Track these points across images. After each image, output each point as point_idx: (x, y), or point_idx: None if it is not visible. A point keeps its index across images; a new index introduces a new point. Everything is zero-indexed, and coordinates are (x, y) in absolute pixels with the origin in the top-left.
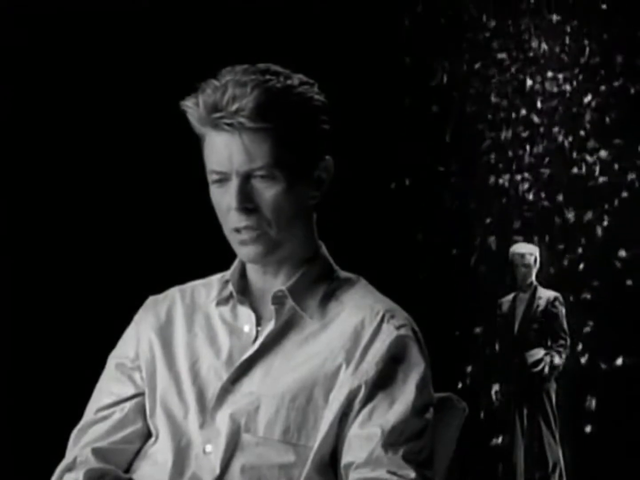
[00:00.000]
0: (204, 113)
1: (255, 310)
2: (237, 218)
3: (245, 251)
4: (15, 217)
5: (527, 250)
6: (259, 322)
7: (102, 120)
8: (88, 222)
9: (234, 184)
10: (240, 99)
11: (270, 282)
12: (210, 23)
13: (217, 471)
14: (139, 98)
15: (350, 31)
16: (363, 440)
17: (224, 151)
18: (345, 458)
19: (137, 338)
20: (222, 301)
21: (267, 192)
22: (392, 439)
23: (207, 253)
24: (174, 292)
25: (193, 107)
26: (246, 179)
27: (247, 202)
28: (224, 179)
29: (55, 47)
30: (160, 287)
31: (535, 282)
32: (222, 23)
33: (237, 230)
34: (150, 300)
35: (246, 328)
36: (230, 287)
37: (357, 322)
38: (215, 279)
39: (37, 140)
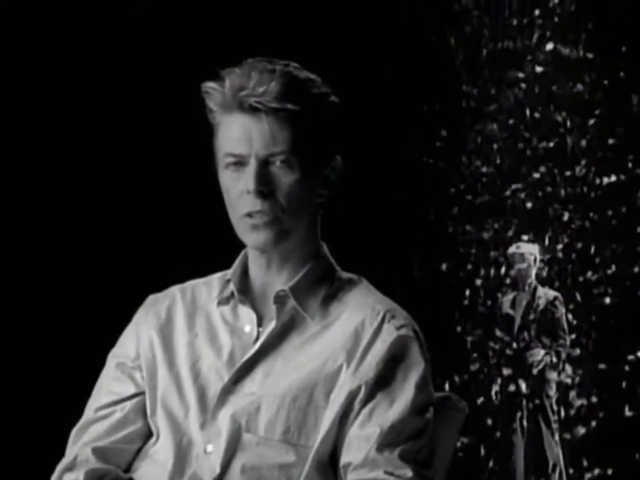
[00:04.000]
0: (230, 94)
1: (256, 310)
2: (251, 202)
3: (255, 237)
4: (14, 215)
5: (527, 250)
6: (260, 323)
7: (102, 121)
8: (88, 221)
9: (252, 167)
10: (267, 82)
11: (272, 280)
12: (212, 25)
13: (218, 471)
14: (138, 98)
15: (359, 34)
16: (362, 440)
17: (245, 134)
18: (344, 458)
19: (138, 337)
20: (223, 301)
21: (284, 178)
22: (390, 439)
23: (207, 252)
24: (174, 290)
25: (217, 89)
26: (265, 163)
27: (264, 186)
28: (240, 162)
29: (55, 47)
30: (160, 286)
31: (535, 282)
32: (223, 25)
33: (249, 215)
34: (150, 298)
35: (247, 328)
36: (232, 287)
37: (357, 322)
38: (216, 277)
39: (36, 139)
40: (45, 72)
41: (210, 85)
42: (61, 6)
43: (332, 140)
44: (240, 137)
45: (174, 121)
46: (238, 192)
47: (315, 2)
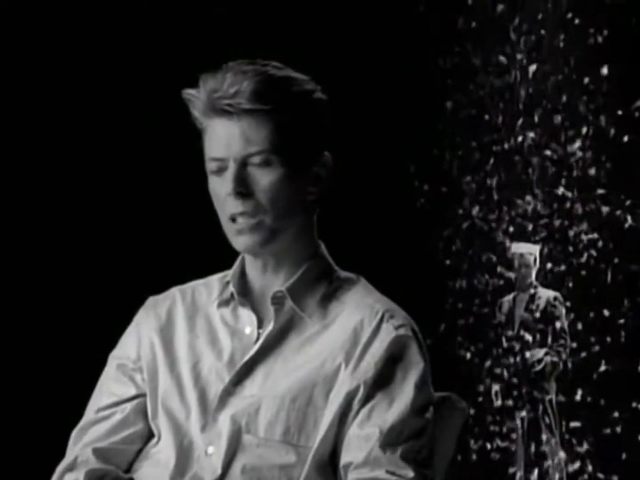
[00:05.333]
0: (204, 98)
1: (256, 311)
2: (233, 204)
3: (241, 241)
4: (13, 217)
5: (527, 250)
6: (260, 324)
7: (100, 121)
8: (87, 221)
9: (230, 170)
10: (240, 83)
11: (270, 282)
12: (212, 25)
13: (219, 472)
14: (138, 99)
15: (358, 29)
16: (362, 440)
17: (223, 137)
18: (345, 458)
19: (138, 339)
20: (223, 303)
21: (264, 178)
22: (391, 439)
23: (207, 253)
24: (174, 292)
25: (195, 95)
26: (243, 165)
27: (243, 187)
28: (222, 167)
29: (54, 46)
30: (160, 288)
31: (535, 282)
32: (223, 25)
33: (233, 219)
34: (150, 300)
35: (247, 330)
36: (231, 289)
37: (356, 322)
38: (216, 279)
39: (35, 139)
40: (42, 72)
41: (188, 92)
42: (59, 6)
43: (318, 136)
44: (219, 141)
45: (174, 122)
46: (222, 195)
47: (313, 2)
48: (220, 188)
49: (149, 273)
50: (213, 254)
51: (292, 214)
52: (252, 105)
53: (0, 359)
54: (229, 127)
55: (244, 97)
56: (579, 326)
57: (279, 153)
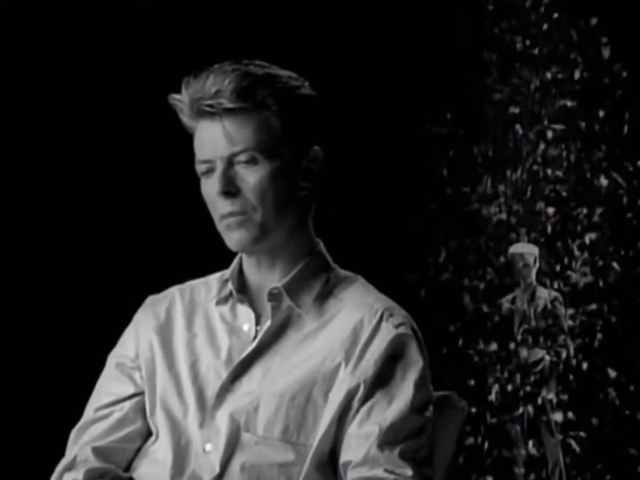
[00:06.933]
0: (188, 101)
1: (254, 309)
2: (222, 204)
3: (232, 237)
4: (13, 217)
5: (527, 250)
6: (258, 321)
7: (100, 120)
8: (87, 221)
9: (218, 171)
10: (221, 83)
11: (266, 279)
12: (211, 26)
13: (217, 470)
14: (136, 98)
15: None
16: (361, 439)
17: (208, 139)
18: (344, 457)
19: (137, 338)
20: (221, 300)
21: (250, 176)
22: (390, 438)
23: (206, 253)
24: (173, 291)
25: (180, 99)
26: (230, 164)
27: (230, 186)
28: (210, 168)
29: (53, 45)
30: (159, 287)
31: (535, 282)
32: (222, 25)
33: (224, 217)
34: (150, 300)
35: (245, 327)
36: (230, 286)
37: (356, 321)
38: (214, 278)
39: (34, 139)
40: (42, 72)
41: (174, 97)
42: (59, 6)
43: (306, 132)
44: (205, 143)
45: (173, 122)
46: (212, 196)
47: (313, 2)
48: (210, 189)
49: (149, 273)
50: (212, 254)
51: (283, 211)
52: (233, 104)
53: (0, 359)
54: (213, 128)
55: (224, 96)
56: None
57: (264, 150)
